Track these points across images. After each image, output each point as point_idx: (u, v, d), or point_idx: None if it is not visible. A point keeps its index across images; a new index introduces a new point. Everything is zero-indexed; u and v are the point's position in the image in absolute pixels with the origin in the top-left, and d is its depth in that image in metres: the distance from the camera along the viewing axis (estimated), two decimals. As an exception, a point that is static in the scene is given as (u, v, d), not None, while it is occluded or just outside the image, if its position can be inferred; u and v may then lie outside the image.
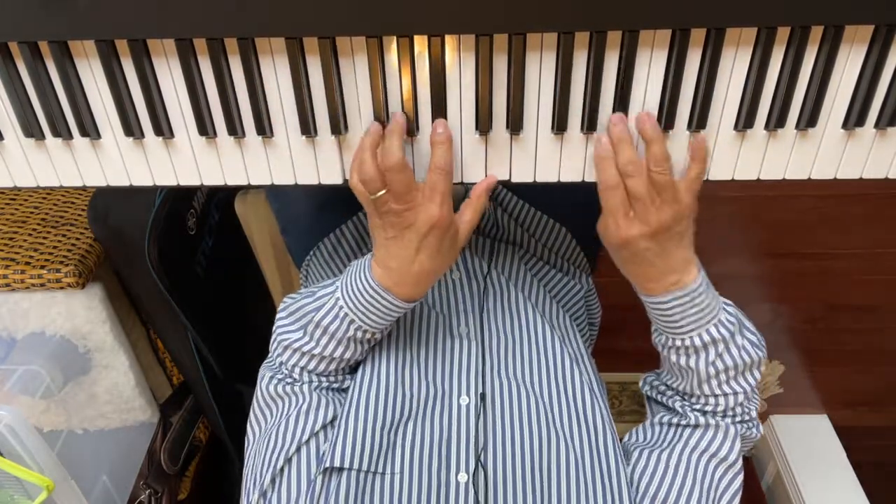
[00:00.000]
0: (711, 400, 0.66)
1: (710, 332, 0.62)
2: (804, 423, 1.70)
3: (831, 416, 1.72)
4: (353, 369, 0.71)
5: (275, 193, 0.94)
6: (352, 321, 0.63)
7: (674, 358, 0.66)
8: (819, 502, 1.51)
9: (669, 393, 0.71)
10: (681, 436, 0.67)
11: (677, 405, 0.69)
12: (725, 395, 0.65)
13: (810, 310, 1.52)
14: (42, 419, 0.93)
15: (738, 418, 0.67)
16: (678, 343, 0.64)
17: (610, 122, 0.58)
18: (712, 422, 0.66)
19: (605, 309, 1.00)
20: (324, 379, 0.68)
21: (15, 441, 0.85)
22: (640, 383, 0.77)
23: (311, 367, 0.67)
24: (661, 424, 0.70)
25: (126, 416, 1.10)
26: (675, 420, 0.68)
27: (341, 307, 0.63)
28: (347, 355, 0.67)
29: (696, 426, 0.67)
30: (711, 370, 0.64)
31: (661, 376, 0.73)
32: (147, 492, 1.12)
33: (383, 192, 0.57)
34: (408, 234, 0.59)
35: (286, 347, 0.67)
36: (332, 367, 0.67)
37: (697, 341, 0.63)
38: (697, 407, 0.67)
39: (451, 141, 0.58)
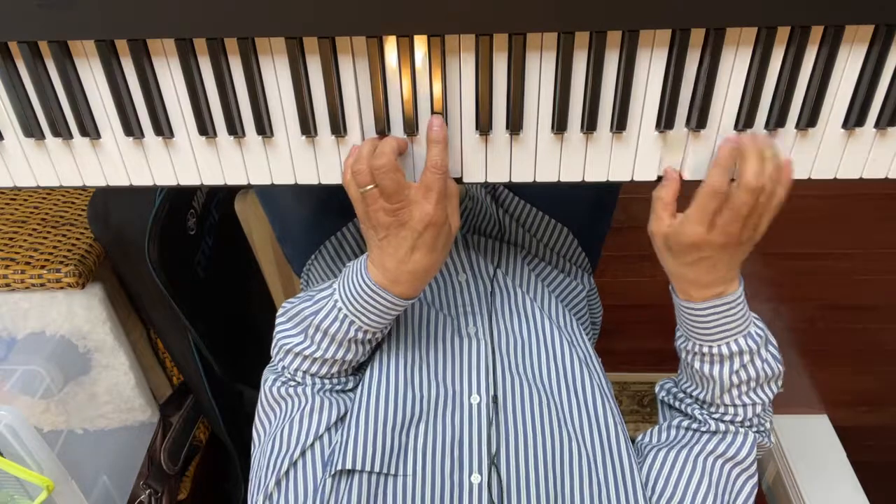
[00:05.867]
0: (731, 410, 0.66)
1: (738, 343, 0.63)
2: (804, 423, 1.70)
3: (831, 416, 1.72)
4: (355, 371, 0.71)
5: (268, 203, 0.93)
6: (352, 322, 0.63)
7: (697, 365, 0.66)
8: (819, 502, 1.51)
9: (688, 401, 0.70)
10: (699, 440, 0.67)
11: (696, 413, 0.68)
12: (744, 405, 0.66)
13: (810, 309, 1.52)
14: (42, 419, 0.93)
15: (754, 428, 0.67)
16: (705, 350, 0.64)
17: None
18: (732, 428, 0.66)
19: (605, 309, 1.01)
20: (326, 381, 0.68)
21: (15, 441, 0.85)
22: (657, 388, 0.76)
23: (313, 370, 0.67)
24: (678, 428, 0.70)
25: (126, 416, 1.10)
26: (694, 426, 0.68)
27: (340, 308, 0.63)
28: (349, 357, 0.66)
29: (716, 432, 0.67)
30: (734, 379, 0.64)
31: (679, 383, 0.72)
32: (147, 492, 1.12)
33: (372, 186, 0.57)
34: (402, 232, 0.58)
35: (287, 352, 0.67)
36: (335, 369, 0.67)
37: (725, 350, 0.63)
38: (716, 416, 0.67)
39: (447, 140, 0.57)
